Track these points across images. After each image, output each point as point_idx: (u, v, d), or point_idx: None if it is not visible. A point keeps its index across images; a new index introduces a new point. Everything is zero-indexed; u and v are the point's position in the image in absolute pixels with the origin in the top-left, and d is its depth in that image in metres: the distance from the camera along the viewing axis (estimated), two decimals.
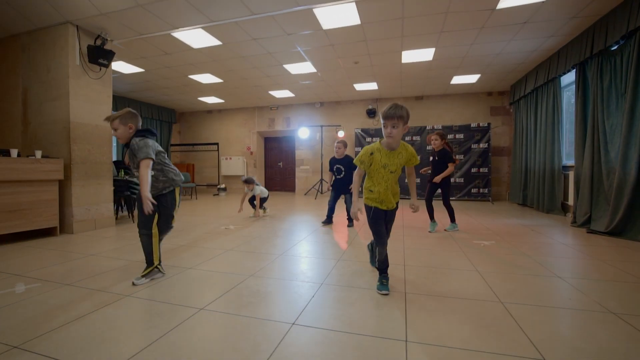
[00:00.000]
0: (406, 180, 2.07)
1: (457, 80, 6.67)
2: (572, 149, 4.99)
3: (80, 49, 3.86)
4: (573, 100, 4.94)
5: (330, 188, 4.37)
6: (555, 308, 1.76)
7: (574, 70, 4.58)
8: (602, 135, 3.94)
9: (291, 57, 5.39)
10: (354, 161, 1.99)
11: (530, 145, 6.04)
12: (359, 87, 7.23)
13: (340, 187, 4.24)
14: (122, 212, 5.19)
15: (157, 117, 8.88)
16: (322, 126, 8.52)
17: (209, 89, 7.41)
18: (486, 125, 7.16)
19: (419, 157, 2.00)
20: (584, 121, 4.37)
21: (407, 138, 7.69)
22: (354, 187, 2.07)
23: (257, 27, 4.20)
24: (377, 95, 8.04)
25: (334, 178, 4.29)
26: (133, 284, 2.10)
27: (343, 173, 4.15)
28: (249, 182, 4.92)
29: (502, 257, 2.78)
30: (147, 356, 1.30)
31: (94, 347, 1.37)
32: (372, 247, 2.42)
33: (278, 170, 9.87)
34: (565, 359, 1.28)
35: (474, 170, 7.20)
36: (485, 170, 7.13)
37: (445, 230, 3.75)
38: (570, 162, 5.02)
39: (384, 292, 1.93)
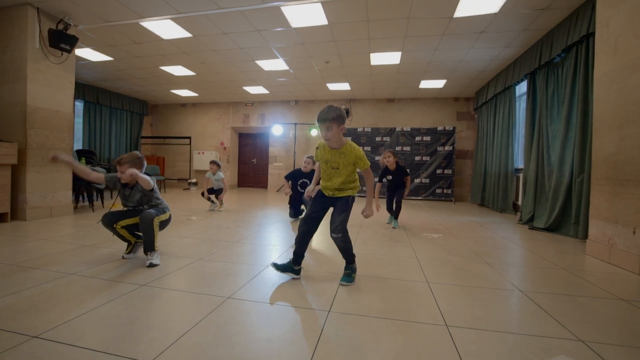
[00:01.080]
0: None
1: (425, 84, 6.96)
2: None
3: (40, 32, 3.78)
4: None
5: (289, 205, 4.33)
6: (471, 287, 1.95)
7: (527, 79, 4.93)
8: (545, 140, 4.27)
9: (263, 54, 5.46)
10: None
11: (489, 149, 6.41)
12: (332, 87, 7.40)
13: (301, 201, 4.28)
14: (84, 202, 5.07)
15: (128, 108, 8.67)
16: (295, 124, 8.62)
17: (182, 82, 7.34)
18: (451, 129, 7.51)
19: (369, 162, 1.91)
20: (532, 127, 4.71)
21: (378, 138, 7.94)
22: (315, 176, 2.22)
23: (227, 21, 4.25)
24: (350, 96, 8.24)
25: (290, 195, 4.27)
26: (151, 263, 2.19)
27: None
28: (217, 163, 4.85)
29: (444, 247, 2.99)
30: (72, 326, 1.36)
31: None
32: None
33: (252, 166, 9.88)
34: (462, 325, 1.45)
35: (439, 171, 7.52)
36: (450, 172, 7.48)
37: (393, 228, 3.92)
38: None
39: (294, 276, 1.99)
